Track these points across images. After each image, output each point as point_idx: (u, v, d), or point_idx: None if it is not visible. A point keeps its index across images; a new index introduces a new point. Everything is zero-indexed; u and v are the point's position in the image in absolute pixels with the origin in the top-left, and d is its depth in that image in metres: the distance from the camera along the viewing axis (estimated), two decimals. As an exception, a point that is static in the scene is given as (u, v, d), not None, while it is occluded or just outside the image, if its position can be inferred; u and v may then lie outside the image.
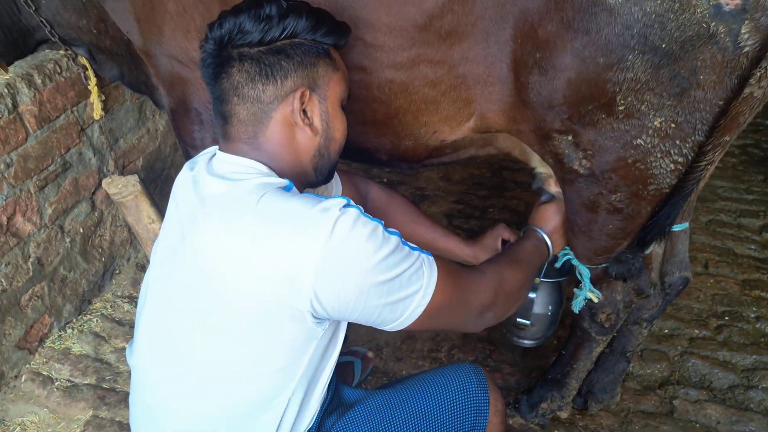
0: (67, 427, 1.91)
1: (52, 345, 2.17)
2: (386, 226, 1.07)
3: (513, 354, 2.26)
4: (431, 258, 1.12)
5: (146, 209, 2.18)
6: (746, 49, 1.02)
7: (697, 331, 2.39)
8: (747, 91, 1.06)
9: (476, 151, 1.56)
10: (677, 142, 1.16)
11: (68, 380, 2.05)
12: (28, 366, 2.08)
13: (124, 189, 2.18)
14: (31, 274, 2.05)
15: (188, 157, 1.66)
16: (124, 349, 1.85)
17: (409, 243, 1.11)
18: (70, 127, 2.13)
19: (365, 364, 2.14)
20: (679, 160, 1.19)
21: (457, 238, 1.66)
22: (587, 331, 1.73)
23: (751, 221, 3.02)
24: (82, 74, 2.10)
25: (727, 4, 0.99)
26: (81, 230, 2.25)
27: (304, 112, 1.14)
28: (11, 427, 1.89)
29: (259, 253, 1.00)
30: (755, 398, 2.13)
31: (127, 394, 1.63)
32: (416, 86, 1.33)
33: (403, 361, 2.22)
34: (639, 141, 1.17)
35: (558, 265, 1.62)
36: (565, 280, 1.69)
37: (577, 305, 1.63)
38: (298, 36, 1.12)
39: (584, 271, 1.55)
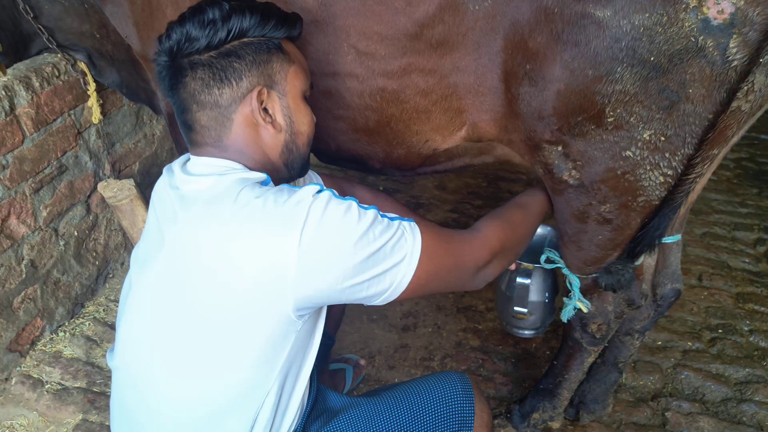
0: (57, 430, 1.91)
1: (44, 348, 2.16)
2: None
3: (506, 363, 2.26)
4: (413, 224, 1.12)
5: (141, 213, 2.19)
6: (734, 63, 1.03)
7: (690, 344, 2.39)
8: (735, 104, 1.06)
9: (471, 160, 1.56)
10: (666, 154, 1.16)
11: (59, 383, 2.05)
12: (18, 369, 2.08)
13: (120, 193, 2.19)
14: (24, 276, 2.05)
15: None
16: (115, 353, 1.85)
17: (387, 214, 1.11)
18: (67, 131, 2.14)
19: (357, 372, 2.14)
20: (669, 172, 1.19)
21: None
22: (579, 342, 1.73)
23: (745, 234, 3.03)
24: (81, 80, 2.11)
25: (715, 19, 0.99)
26: (75, 233, 2.26)
27: (265, 110, 1.15)
28: (0, 430, 1.88)
29: (239, 247, 1.01)
30: (748, 411, 2.13)
31: (117, 398, 1.62)
32: (408, 95, 1.34)
33: (395, 369, 2.22)
34: (628, 153, 1.17)
35: (549, 268, 1.62)
36: (559, 267, 1.68)
37: (566, 314, 1.63)
38: (246, 35, 1.13)
39: (574, 281, 1.56)
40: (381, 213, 1.09)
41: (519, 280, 1.69)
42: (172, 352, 1.08)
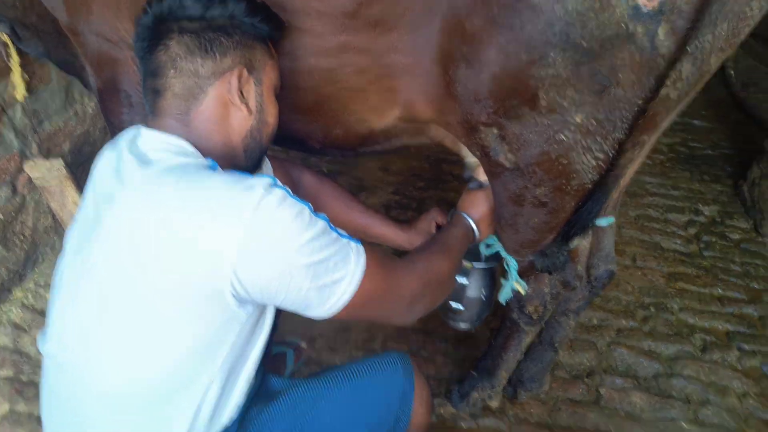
0: (-18, 422, 1.83)
1: (-32, 336, 2.06)
2: (318, 212, 1.06)
3: (446, 345, 2.29)
4: (360, 246, 1.11)
5: (72, 195, 2.10)
6: (663, 50, 1.04)
7: (624, 322, 2.48)
8: (663, 92, 1.08)
9: (408, 140, 1.56)
10: (598, 138, 1.18)
11: (-16, 373, 1.96)
12: (-60, 358, 1.98)
13: (48, 173, 2.09)
14: (-57, 261, 1.94)
15: (116, 140, 1.60)
16: (43, 340, 1.77)
17: (338, 229, 1.10)
18: (-11, 107, 2.03)
19: (298, 355, 2.13)
20: (600, 156, 1.21)
21: (392, 223, 1.66)
22: (516, 323, 1.77)
23: (677, 216, 3.15)
24: (3, 52, 1.99)
25: (645, 6, 1.01)
26: (1, 216, 2.15)
27: (241, 92, 1.14)
28: None
29: (178, 231, 0.97)
30: (677, 386, 2.22)
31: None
32: (344, 74, 1.32)
33: (336, 351, 2.21)
34: (561, 136, 1.19)
35: (487, 253, 1.64)
36: (496, 266, 1.71)
37: (503, 296, 1.66)
38: (236, 18, 1.14)
39: (512, 263, 1.58)
40: (331, 226, 1.08)
41: (456, 278, 1.71)
42: (110, 338, 1.04)
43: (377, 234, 1.64)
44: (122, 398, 1.06)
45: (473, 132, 1.29)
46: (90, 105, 2.52)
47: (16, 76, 2.04)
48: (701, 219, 3.14)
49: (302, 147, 1.61)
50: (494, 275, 1.78)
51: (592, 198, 1.31)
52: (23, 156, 2.20)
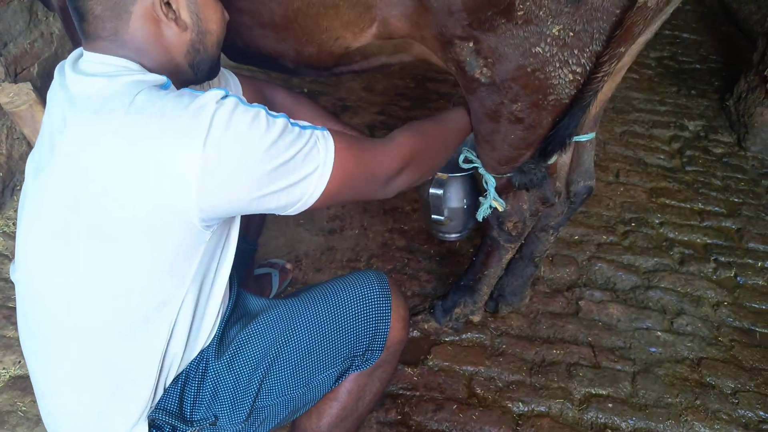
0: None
1: (-48, 265, 2.07)
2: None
3: (430, 262, 2.32)
4: (326, 133, 1.09)
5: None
6: (641, -46, 1.00)
7: (605, 237, 2.51)
8: (641, 0, 1.05)
9: (388, 59, 1.51)
10: (575, 51, 1.15)
11: (-30, 300, 1.97)
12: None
13: (17, 98, 2.03)
14: None
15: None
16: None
17: (299, 122, 1.07)
18: (-51, 30, 1.94)
19: (283, 276, 2.15)
20: (577, 70, 1.19)
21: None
22: (496, 240, 1.79)
23: (662, 132, 3.13)
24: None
25: None
26: (-26, 144, 2.10)
27: (168, 4, 1.05)
28: None
29: (135, 156, 0.95)
30: (654, 297, 2.28)
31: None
32: None
33: (322, 271, 2.24)
34: (538, 49, 1.15)
35: (465, 167, 1.63)
36: (474, 170, 1.69)
37: (481, 213, 1.67)
38: None
39: (490, 180, 1.58)
40: (292, 121, 1.05)
41: (432, 190, 1.71)
42: (72, 265, 1.03)
43: None
44: (97, 327, 1.06)
45: (448, 46, 1.25)
46: (56, 25, 2.42)
47: (-25, -4, 1.95)
48: (686, 134, 3.14)
49: (275, 66, 1.56)
50: (475, 183, 1.78)
51: (570, 113, 1.30)
52: (-9, 80, 2.13)
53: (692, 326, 2.19)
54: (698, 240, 2.55)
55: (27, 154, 2.35)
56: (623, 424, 1.85)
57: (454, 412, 1.83)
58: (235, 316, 1.30)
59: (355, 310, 1.27)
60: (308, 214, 2.44)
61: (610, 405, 1.89)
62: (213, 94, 0.98)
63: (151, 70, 1.06)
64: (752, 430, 1.86)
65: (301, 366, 1.24)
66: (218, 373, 1.20)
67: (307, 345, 1.24)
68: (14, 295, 2.00)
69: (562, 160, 1.67)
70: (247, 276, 1.97)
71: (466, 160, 1.63)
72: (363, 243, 2.37)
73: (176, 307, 1.08)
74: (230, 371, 1.20)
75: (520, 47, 1.16)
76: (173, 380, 1.16)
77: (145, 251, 1.01)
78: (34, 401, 1.66)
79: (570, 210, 1.83)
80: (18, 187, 2.35)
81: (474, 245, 2.37)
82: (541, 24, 1.11)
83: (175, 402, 1.17)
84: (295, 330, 1.24)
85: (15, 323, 1.92)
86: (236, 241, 1.18)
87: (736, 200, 2.76)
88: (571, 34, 1.12)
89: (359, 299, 1.28)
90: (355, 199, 1.19)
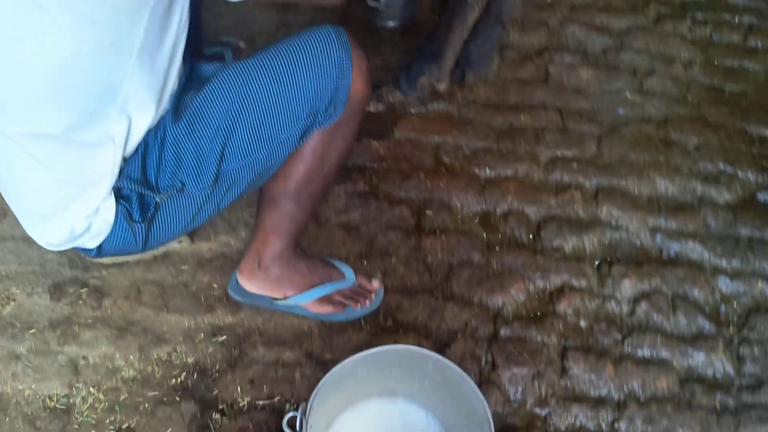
0: None
1: None
2: None
3: (392, 34, 2.18)
4: None
5: None
6: None
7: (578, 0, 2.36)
8: None
9: None
10: None
11: None
12: None
13: None
14: None
15: None
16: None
17: None
18: None
19: (237, 55, 2.01)
20: None
21: None
22: (461, -4, 1.65)
23: None
24: None
25: None
26: None
27: None
28: None
29: None
30: (625, 59, 2.21)
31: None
32: None
33: (278, 48, 2.10)
34: None
35: None
36: None
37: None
38: None
39: None
40: None
41: None
42: (26, 54, 0.92)
43: None
44: (50, 110, 0.99)
45: None
46: None
47: None
48: None
49: None
50: None
51: None
52: None
53: (662, 86, 2.14)
54: (676, -3, 2.41)
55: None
56: (586, 183, 1.88)
57: (421, 180, 1.84)
58: (189, 83, 1.23)
59: (314, 64, 1.19)
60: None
61: (574, 165, 1.91)
62: None
63: None
64: (711, 181, 1.91)
65: (264, 124, 1.20)
66: (177, 138, 1.16)
67: (267, 102, 1.18)
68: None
69: None
70: (196, 55, 1.84)
71: None
72: (320, 17, 2.20)
73: (121, 81, 1.01)
74: (191, 136, 1.16)
75: None
76: (133, 149, 1.14)
77: (83, 18, 0.90)
78: None
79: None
80: None
81: (437, 14, 2.21)
82: None
83: (137, 169, 1.15)
84: (253, 88, 1.17)
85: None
86: (186, 15, 1.08)
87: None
88: None
89: (318, 52, 1.19)
90: None
